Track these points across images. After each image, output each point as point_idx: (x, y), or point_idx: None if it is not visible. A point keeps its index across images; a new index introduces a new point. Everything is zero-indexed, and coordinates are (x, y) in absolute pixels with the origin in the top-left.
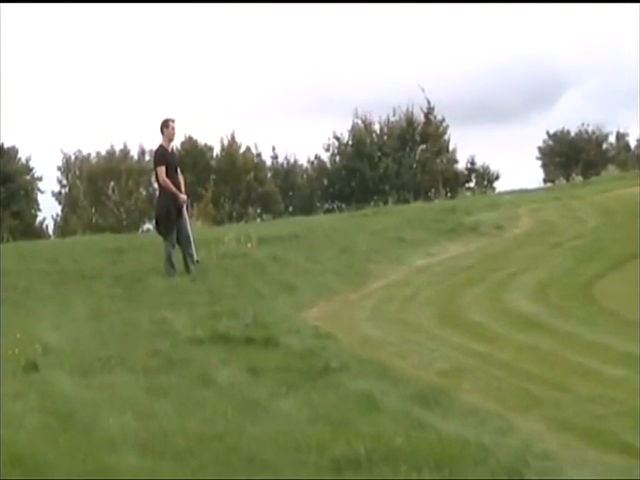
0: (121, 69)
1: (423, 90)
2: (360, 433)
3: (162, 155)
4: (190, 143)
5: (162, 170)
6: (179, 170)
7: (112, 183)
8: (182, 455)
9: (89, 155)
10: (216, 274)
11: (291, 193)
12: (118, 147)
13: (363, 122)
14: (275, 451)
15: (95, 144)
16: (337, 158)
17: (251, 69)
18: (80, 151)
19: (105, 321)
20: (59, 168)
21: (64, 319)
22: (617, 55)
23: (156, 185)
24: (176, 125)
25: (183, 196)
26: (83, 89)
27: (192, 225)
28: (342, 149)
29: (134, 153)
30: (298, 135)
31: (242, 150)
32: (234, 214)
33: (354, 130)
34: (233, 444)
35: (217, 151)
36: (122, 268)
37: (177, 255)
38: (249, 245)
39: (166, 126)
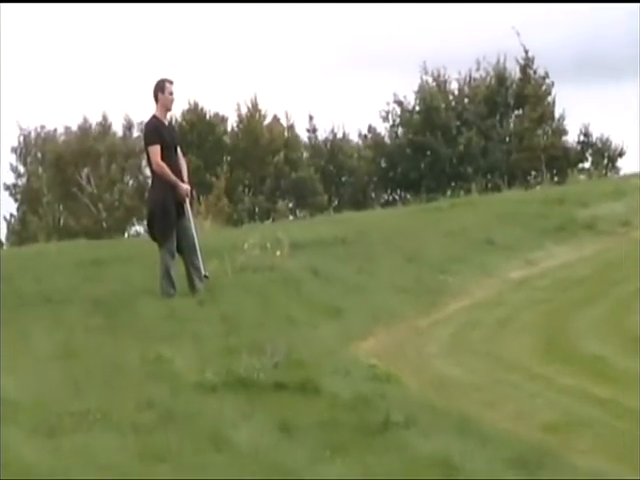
0: (94, 12)
1: (518, 34)
2: None
3: (156, 130)
4: (195, 113)
5: (156, 151)
6: (179, 151)
7: (87, 170)
8: None
9: (55, 132)
10: (232, 294)
11: (336, 180)
12: (94, 120)
13: (435, 80)
14: None
15: (63, 116)
16: (399, 130)
17: (274, 7)
18: (43, 127)
19: (79, 361)
20: (14, 150)
21: (22, 359)
22: None
23: (148, 172)
24: (175, 88)
25: (186, 186)
26: (45, 41)
27: (198, 227)
28: (406, 118)
29: (117, 128)
30: (345, 100)
31: (267, 121)
32: (257, 210)
33: (422, 91)
34: None
35: (233, 123)
36: (102, 288)
37: (178, 268)
38: (278, 253)
39: (161, 89)
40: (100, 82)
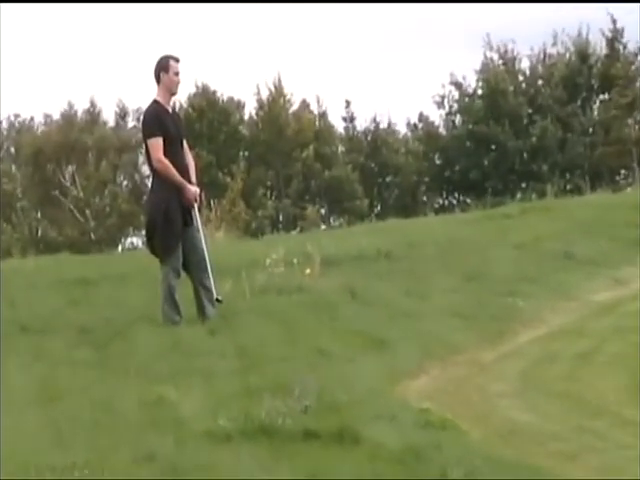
0: None
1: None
2: None
3: (157, 119)
4: (205, 97)
5: (157, 145)
6: (186, 144)
7: (71, 168)
8: None
9: (32, 121)
10: (251, 321)
11: (380, 180)
12: (81, 107)
13: (501, 57)
14: None
15: (42, 102)
16: (457, 119)
17: None
18: (17, 115)
19: (63, 404)
20: None
21: None
22: None
23: (147, 170)
24: (181, 68)
25: (194, 188)
26: (19, 11)
27: (209, 238)
28: (466, 104)
29: (108, 116)
30: (389, 81)
31: (294, 108)
32: (281, 218)
33: (486, 71)
34: None
35: (251, 110)
36: (90, 314)
37: (184, 290)
38: (308, 271)
39: (164, 69)
40: (88, 60)
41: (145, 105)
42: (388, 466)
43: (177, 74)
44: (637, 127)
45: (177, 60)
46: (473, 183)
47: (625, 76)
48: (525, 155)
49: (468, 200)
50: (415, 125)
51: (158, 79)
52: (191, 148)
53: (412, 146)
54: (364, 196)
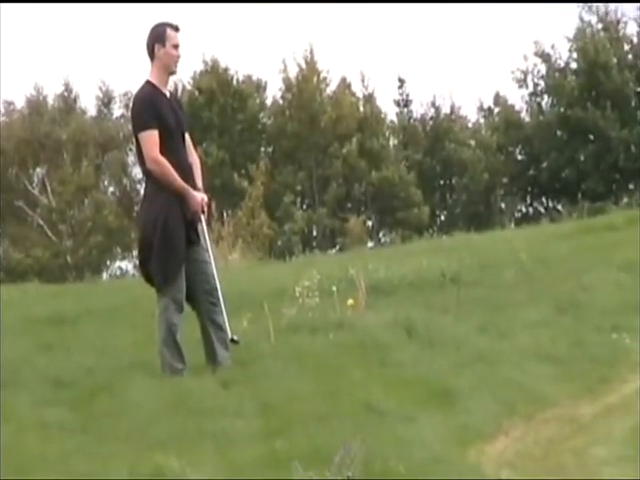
0: None
1: None
2: None
3: (152, 106)
4: (215, 77)
5: (152, 139)
6: (189, 138)
7: (40, 171)
8: None
9: None
10: (277, 369)
11: (443, 182)
12: (52, 91)
13: (601, 21)
14: None
15: (3, 87)
16: (545, 101)
17: None
18: None
19: (33, 479)
20: None
21: None
22: None
23: (139, 172)
24: (182, 39)
25: (200, 195)
26: None
27: (221, 261)
28: (556, 81)
29: (87, 103)
30: (454, 54)
31: (331, 89)
32: (315, 233)
33: (582, 39)
34: None
35: (276, 93)
36: (67, 362)
37: (189, 328)
38: (351, 302)
39: (160, 40)
40: (61, 31)
41: (135, 88)
42: None
43: (177, 47)
44: None
45: (176, 29)
46: (566, 185)
47: None
48: (633, 148)
49: (559, 207)
50: (489, 110)
51: (152, 54)
52: (195, 144)
53: (485, 137)
54: (423, 203)
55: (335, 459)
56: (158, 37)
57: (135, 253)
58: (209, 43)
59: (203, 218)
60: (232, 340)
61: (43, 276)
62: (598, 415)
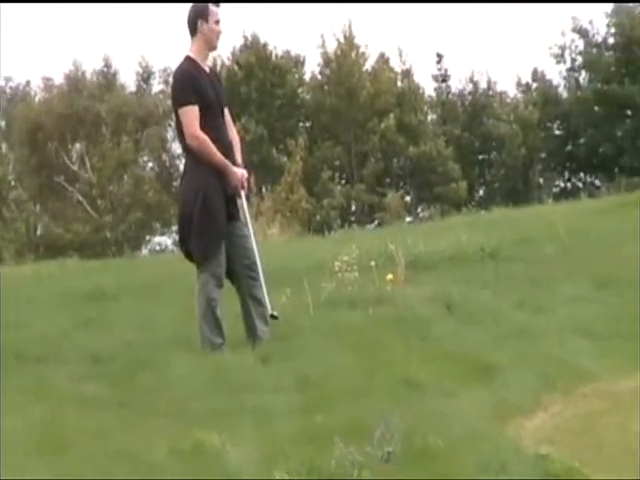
0: None
1: None
2: None
3: (192, 82)
4: (254, 52)
5: (192, 115)
6: (228, 114)
7: (79, 146)
8: None
9: (28, 87)
10: (316, 343)
11: (481, 157)
12: (91, 67)
13: None
14: None
15: (41, 63)
16: (582, 77)
17: None
18: (9, 79)
19: (72, 454)
20: None
21: None
22: None
23: (179, 148)
24: (223, 15)
25: (240, 171)
26: None
27: (260, 236)
28: (594, 57)
29: (127, 78)
30: (492, 29)
31: (370, 64)
32: (353, 208)
33: (620, 14)
34: None
35: (314, 69)
36: (106, 338)
37: (228, 304)
38: (390, 277)
39: (203, 16)
40: (100, 8)
41: (175, 64)
42: None
43: (218, 22)
44: None
45: (218, 4)
46: (603, 160)
47: None
48: None
49: (597, 182)
50: (527, 85)
51: (194, 30)
52: (234, 120)
53: (523, 112)
54: (461, 178)
55: (375, 434)
56: (201, 13)
57: (174, 229)
58: (248, 18)
59: (243, 193)
60: (272, 315)
61: (83, 251)
62: (638, 390)
